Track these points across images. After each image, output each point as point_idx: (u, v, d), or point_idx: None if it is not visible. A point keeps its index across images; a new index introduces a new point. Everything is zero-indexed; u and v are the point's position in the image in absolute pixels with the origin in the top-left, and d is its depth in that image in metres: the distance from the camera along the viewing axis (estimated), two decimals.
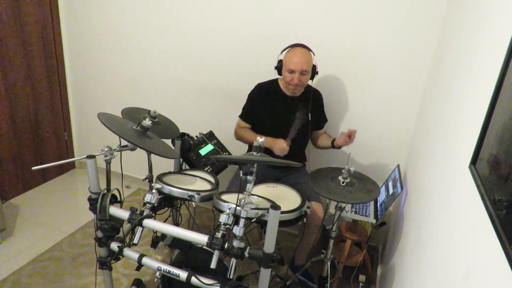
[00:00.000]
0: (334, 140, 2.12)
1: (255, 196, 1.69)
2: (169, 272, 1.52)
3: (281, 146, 1.97)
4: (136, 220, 1.53)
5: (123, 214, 1.58)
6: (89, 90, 3.13)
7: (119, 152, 1.64)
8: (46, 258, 2.28)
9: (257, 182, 1.90)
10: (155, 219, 1.59)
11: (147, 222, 1.54)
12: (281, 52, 2.03)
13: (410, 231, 1.61)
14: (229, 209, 1.46)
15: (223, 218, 1.44)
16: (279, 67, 2.04)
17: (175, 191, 1.64)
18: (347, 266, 2.23)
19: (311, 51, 1.99)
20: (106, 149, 1.58)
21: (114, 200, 1.64)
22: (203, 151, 2.18)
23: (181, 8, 2.56)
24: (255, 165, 1.41)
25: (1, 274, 2.12)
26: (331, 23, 2.24)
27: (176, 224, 2.16)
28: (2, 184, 2.78)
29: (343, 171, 1.75)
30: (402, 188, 1.92)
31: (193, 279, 1.47)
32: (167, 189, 1.64)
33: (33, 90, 2.86)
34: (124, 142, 1.60)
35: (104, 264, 1.71)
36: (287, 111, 2.10)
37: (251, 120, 2.20)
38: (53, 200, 2.93)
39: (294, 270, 2.16)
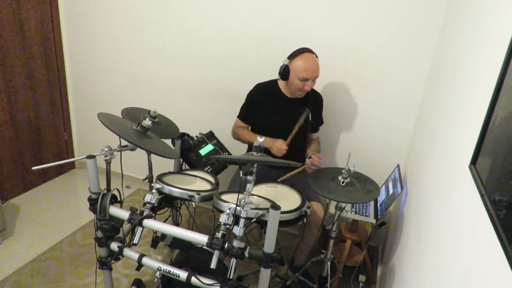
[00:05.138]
0: (310, 157, 2.02)
1: (255, 196, 1.69)
2: (169, 272, 1.52)
3: (279, 146, 1.97)
4: (136, 220, 1.53)
5: (123, 214, 1.58)
6: (89, 90, 3.13)
7: (119, 152, 1.64)
8: (46, 258, 2.28)
9: (257, 182, 1.90)
10: (155, 219, 1.59)
11: (147, 222, 1.54)
12: (288, 59, 1.96)
13: (410, 231, 1.61)
14: (229, 209, 1.46)
15: (223, 218, 1.44)
16: (286, 73, 1.97)
17: (175, 191, 1.64)
18: (347, 266, 2.23)
19: (316, 55, 1.98)
20: (106, 149, 1.57)
21: (114, 200, 1.64)
22: (203, 151, 2.18)
23: (181, 9, 2.56)
24: (255, 165, 1.41)
25: (1, 274, 2.12)
26: (331, 24, 2.24)
27: (176, 224, 2.16)
28: (2, 184, 2.78)
29: (343, 171, 1.74)
30: (402, 188, 1.92)
31: (193, 279, 1.47)
32: (167, 189, 1.64)
33: (33, 90, 2.86)
34: (124, 142, 1.60)
35: (104, 264, 1.71)
36: (286, 112, 2.09)
37: (249, 120, 2.19)
38: (53, 200, 2.93)
39: (294, 270, 2.16)
